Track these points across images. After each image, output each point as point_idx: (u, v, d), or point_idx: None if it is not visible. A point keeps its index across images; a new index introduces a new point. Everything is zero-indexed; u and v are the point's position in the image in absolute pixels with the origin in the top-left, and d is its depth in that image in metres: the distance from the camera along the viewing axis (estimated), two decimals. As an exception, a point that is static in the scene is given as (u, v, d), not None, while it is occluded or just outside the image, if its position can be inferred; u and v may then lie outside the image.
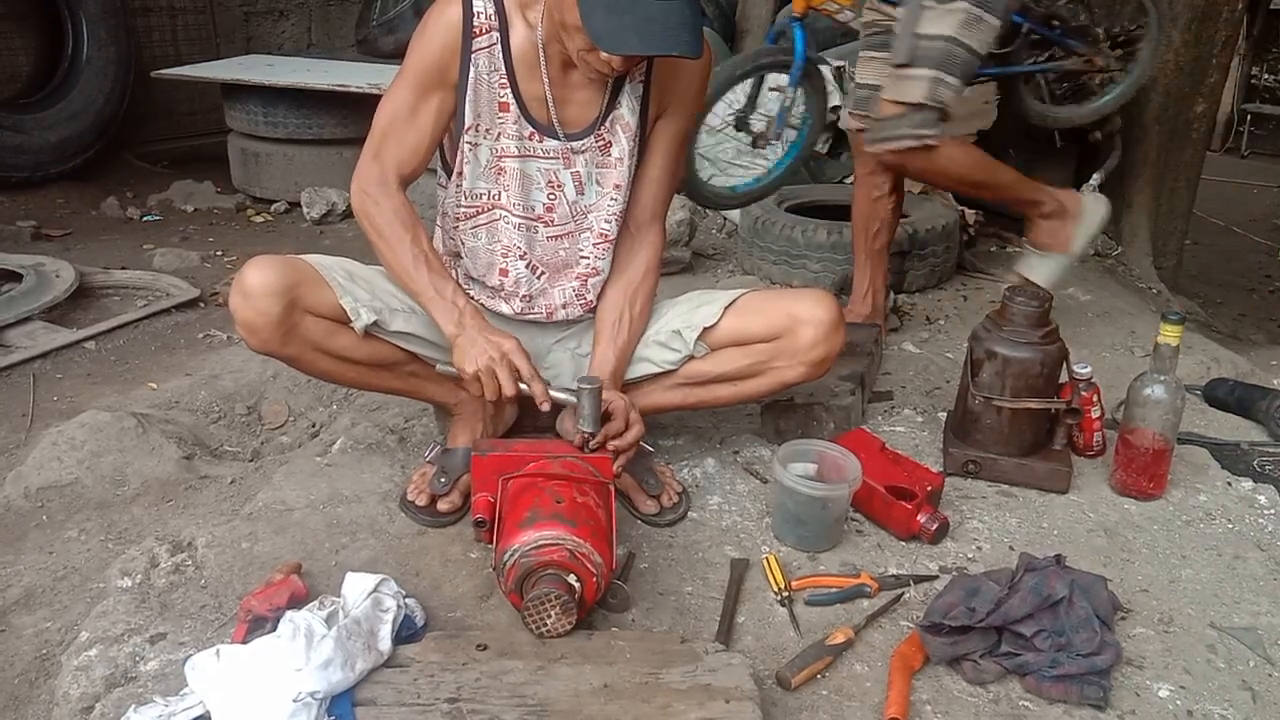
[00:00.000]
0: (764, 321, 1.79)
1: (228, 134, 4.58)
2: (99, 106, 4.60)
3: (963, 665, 1.48)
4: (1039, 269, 2.49)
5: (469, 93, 1.67)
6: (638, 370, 1.88)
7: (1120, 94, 3.46)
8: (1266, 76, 10.34)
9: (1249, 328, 4.27)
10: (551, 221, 1.80)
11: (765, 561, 1.72)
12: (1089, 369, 2.10)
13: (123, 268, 3.49)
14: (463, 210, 1.78)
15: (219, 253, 3.81)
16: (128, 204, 4.39)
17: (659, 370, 1.86)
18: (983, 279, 3.40)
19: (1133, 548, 1.83)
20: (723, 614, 1.59)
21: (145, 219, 4.27)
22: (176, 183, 4.62)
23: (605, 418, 1.65)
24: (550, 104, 1.71)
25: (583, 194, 1.79)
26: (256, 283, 1.62)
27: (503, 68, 1.67)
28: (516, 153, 1.73)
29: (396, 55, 5.28)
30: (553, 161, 1.75)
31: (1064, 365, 2.00)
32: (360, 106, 4.24)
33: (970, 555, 1.79)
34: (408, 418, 2.21)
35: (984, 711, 1.41)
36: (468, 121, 1.69)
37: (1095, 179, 3.90)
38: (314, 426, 2.46)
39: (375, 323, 1.70)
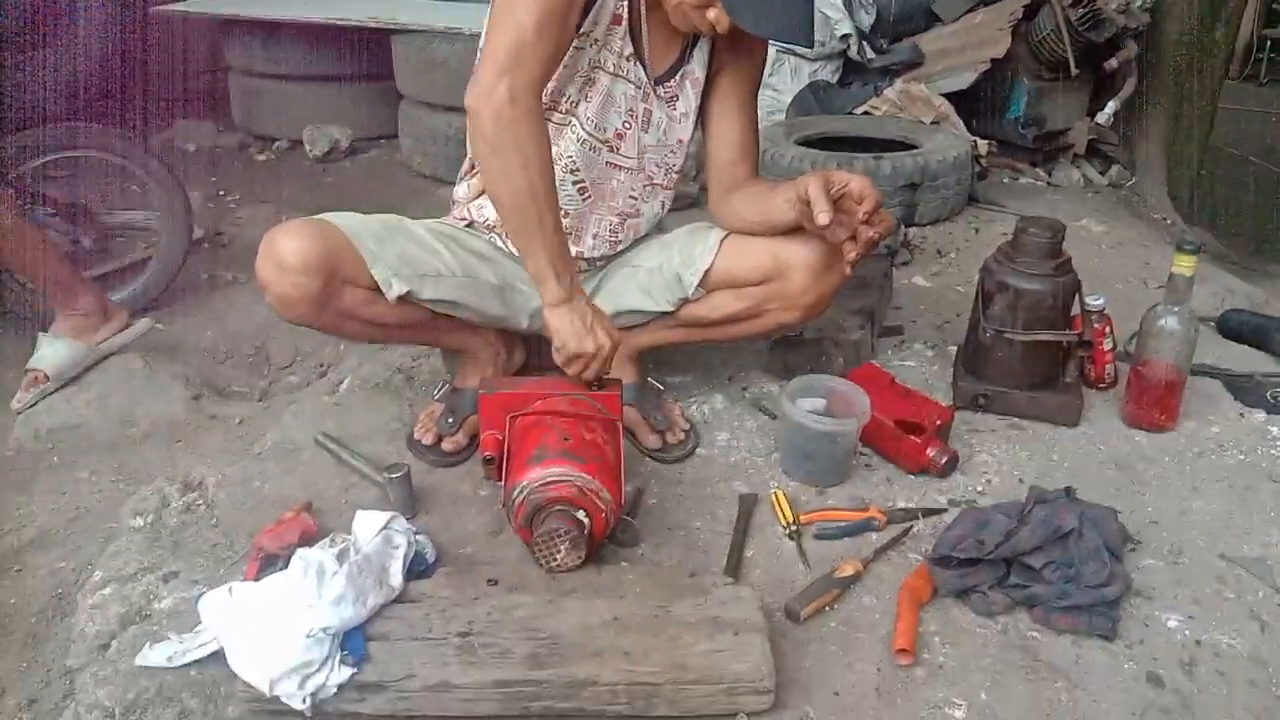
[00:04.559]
0: (752, 264, 1.74)
1: (228, 71, 4.51)
2: (99, 44, 4.53)
3: (971, 597, 1.48)
4: (48, 352, 2.18)
5: None
6: (636, 304, 1.85)
7: None
8: (1289, 0, 10.08)
9: (1264, 259, 4.21)
10: (618, 149, 1.75)
11: (774, 496, 1.72)
12: (1102, 300, 2.07)
13: (126, 209, 3.46)
14: None
15: (222, 192, 3.78)
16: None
17: (658, 310, 1.84)
18: (994, 211, 3.35)
19: (1143, 480, 1.83)
20: (731, 548, 1.60)
21: (147, 159, 4.23)
22: (179, 122, 4.57)
23: (844, 202, 1.59)
24: (645, 35, 1.67)
25: (647, 132, 1.76)
26: (293, 255, 1.54)
27: None
28: (612, 70, 1.68)
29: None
30: (637, 90, 1.71)
31: (1076, 297, 1.98)
32: (361, 42, 4.16)
33: (980, 489, 1.79)
34: (415, 357, 2.21)
35: (992, 643, 1.42)
36: (585, 27, 1.61)
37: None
38: (321, 366, 2.46)
39: (408, 291, 1.65)
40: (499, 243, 1.82)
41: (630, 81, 1.70)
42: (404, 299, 1.65)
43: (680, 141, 1.80)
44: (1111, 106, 3.86)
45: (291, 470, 1.78)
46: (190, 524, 1.64)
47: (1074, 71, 3.70)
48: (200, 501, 1.70)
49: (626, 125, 1.73)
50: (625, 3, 1.63)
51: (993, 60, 3.69)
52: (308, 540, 1.48)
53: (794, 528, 1.64)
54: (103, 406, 2.10)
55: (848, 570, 1.52)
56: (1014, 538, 1.48)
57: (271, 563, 1.45)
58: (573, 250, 1.79)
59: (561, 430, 1.52)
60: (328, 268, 1.56)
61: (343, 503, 1.69)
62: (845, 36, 3.97)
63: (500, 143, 1.47)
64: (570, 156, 1.72)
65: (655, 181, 1.83)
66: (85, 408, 2.09)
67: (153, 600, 1.46)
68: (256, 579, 1.39)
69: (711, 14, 1.55)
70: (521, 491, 1.45)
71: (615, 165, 1.76)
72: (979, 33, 3.86)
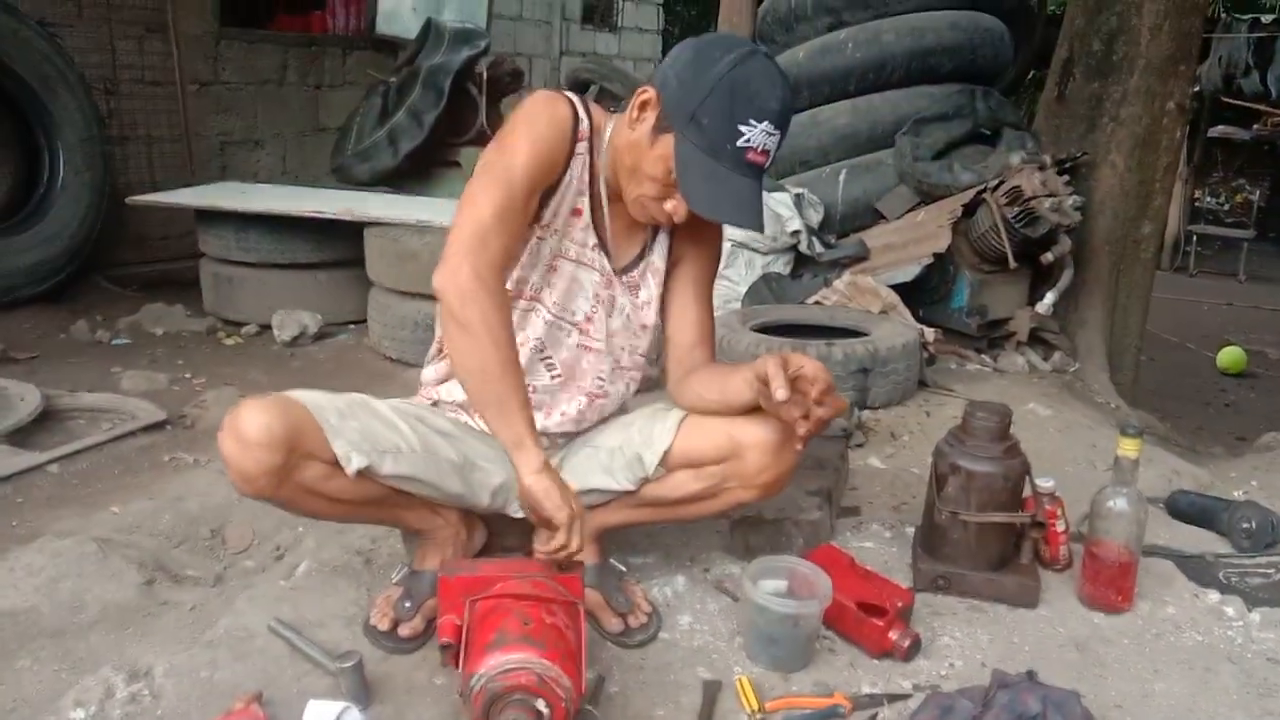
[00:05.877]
0: (711, 443, 1.78)
1: (200, 258, 4.63)
2: (73, 231, 4.65)
3: (939, 786, 1.45)
4: None
5: (559, 193, 1.71)
6: (598, 483, 1.86)
7: None
8: (1209, 199, 10.84)
9: (1206, 440, 4.34)
10: (587, 332, 1.82)
11: (738, 683, 1.70)
12: (1051, 482, 2.12)
13: (89, 390, 3.46)
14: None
15: (188, 375, 3.80)
16: (97, 327, 4.38)
17: (620, 489, 1.86)
18: (944, 394, 3.46)
19: (1104, 662, 1.83)
20: (695, 737, 1.57)
21: (114, 342, 4.26)
22: (147, 306, 4.64)
23: (800, 383, 1.62)
24: (607, 225, 1.78)
25: (612, 316, 1.84)
26: (255, 430, 1.55)
27: (587, 176, 1.73)
28: (574, 258, 1.77)
29: (371, 183, 5.44)
30: (601, 277, 1.80)
31: (1027, 479, 2.03)
32: (333, 231, 4.32)
33: (943, 672, 1.78)
34: (374, 539, 2.19)
35: (962, 835, 1.38)
36: (545, 219, 1.72)
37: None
38: (279, 549, 2.41)
39: (368, 466, 1.67)
40: (465, 418, 1.85)
41: (595, 269, 1.79)
42: (363, 474, 1.67)
43: (644, 327, 1.88)
44: (1050, 297, 4.05)
45: (243, 658, 1.73)
46: (134, 715, 1.58)
47: (1012, 265, 3.90)
48: (146, 691, 1.64)
49: (594, 309, 1.81)
50: (585, 197, 1.75)
51: (935, 254, 3.90)
52: (257, 732, 1.43)
53: (759, 716, 1.62)
54: (51, 591, 2.04)
55: (813, 759, 1.49)
56: (978, 723, 1.47)
57: (218, 757, 1.40)
58: (539, 423, 1.83)
59: (522, 614, 1.50)
60: (289, 442, 1.58)
61: (294, 693, 1.64)
62: (795, 232, 4.19)
63: (467, 319, 1.54)
64: (539, 338, 1.79)
65: (622, 365, 1.89)
66: (34, 593, 2.03)
67: (89, 800, 1.39)
68: (201, 775, 1.34)
69: (669, 205, 1.66)
70: (479, 680, 1.42)
71: (586, 348, 1.83)
72: (921, 229, 4.09)
